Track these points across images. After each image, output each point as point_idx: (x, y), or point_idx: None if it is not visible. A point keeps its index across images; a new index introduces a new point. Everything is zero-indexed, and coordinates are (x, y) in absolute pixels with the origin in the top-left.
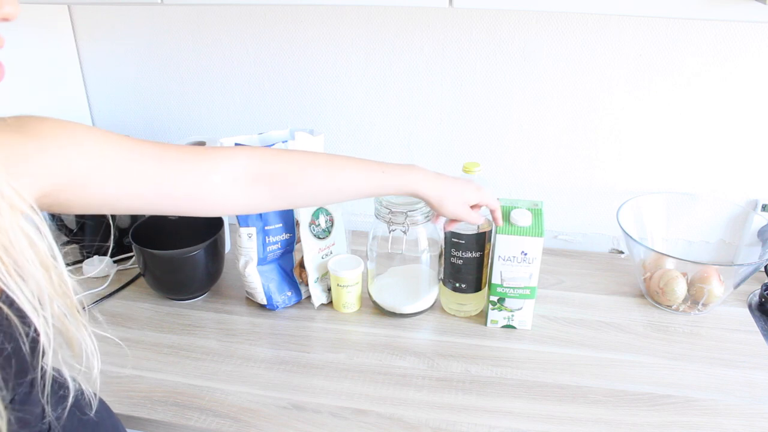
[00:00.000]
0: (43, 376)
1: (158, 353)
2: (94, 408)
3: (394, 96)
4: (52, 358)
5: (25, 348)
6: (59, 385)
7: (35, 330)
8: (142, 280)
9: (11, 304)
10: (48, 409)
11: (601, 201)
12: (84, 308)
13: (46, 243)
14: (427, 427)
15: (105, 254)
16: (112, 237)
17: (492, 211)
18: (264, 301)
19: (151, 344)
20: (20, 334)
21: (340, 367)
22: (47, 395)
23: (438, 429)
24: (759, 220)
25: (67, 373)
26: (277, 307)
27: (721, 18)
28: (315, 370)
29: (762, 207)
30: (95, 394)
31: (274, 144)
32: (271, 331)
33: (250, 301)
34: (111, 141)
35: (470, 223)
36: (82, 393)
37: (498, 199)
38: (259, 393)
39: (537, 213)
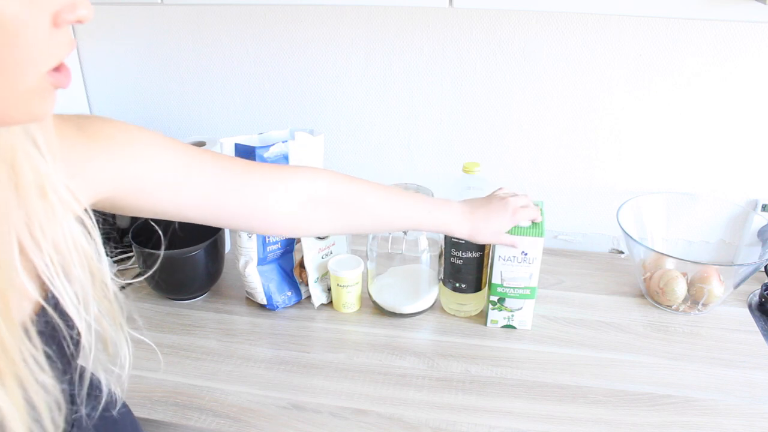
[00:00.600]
0: (81, 376)
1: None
2: (118, 407)
3: (394, 96)
4: (91, 359)
5: (68, 350)
6: (93, 386)
7: (78, 333)
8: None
9: (56, 305)
10: (82, 408)
11: (601, 201)
12: (123, 312)
13: (94, 247)
14: (427, 427)
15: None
16: (162, 241)
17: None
18: (264, 301)
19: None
20: (64, 337)
21: (340, 367)
22: (83, 396)
23: (438, 429)
24: (759, 220)
25: (102, 375)
26: (277, 307)
27: (721, 18)
28: (315, 370)
29: (762, 207)
30: (120, 395)
31: (274, 144)
32: (271, 331)
33: (250, 301)
34: (172, 150)
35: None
36: (110, 392)
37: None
38: (259, 393)
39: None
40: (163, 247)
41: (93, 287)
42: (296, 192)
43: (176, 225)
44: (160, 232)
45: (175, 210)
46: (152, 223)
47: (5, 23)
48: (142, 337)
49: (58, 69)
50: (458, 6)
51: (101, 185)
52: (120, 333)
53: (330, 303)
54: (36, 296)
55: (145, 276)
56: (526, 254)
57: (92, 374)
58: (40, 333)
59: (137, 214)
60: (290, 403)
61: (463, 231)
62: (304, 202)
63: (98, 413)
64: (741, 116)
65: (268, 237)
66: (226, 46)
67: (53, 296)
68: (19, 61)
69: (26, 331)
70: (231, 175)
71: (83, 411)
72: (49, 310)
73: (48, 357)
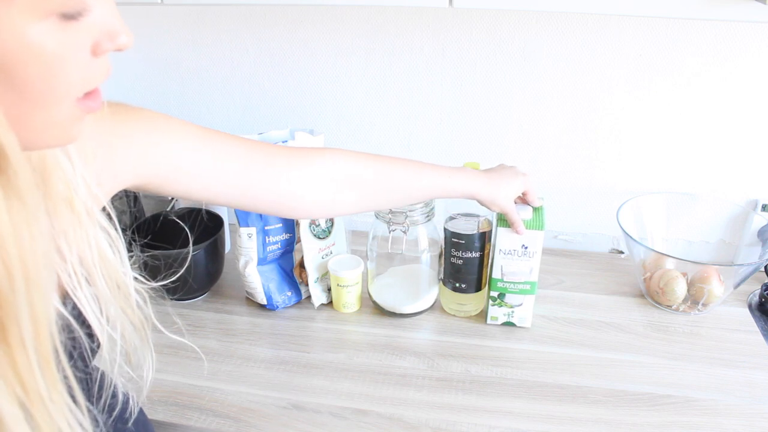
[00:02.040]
0: (101, 385)
1: (158, 353)
2: (135, 415)
3: (394, 96)
4: (109, 366)
5: (88, 359)
6: (111, 393)
7: (98, 344)
8: None
9: (78, 315)
10: (98, 416)
11: (601, 201)
12: (149, 321)
13: (119, 257)
14: (427, 427)
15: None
16: (189, 238)
17: (527, 194)
18: (264, 301)
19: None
20: (85, 348)
21: (340, 367)
22: (102, 404)
23: (438, 429)
24: (759, 220)
25: (120, 383)
26: (277, 307)
27: (721, 18)
28: (315, 370)
29: (762, 207)
30: (137, 403)
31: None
32: (271, 331)
33: (250, 301)
34: (198, 134)
35: (513, 224)
36: (128, 399)
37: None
38: (259, 393)
39: (539, 208)
40: (191, 246)
41: (118, 297)
42: (321, 174)
43: (203, 213)
44: (187, 230)
45: (202, 194)
46: (179, 221)
47: (46, 59)
48: (183, 340)
49: (89, 94)
50: (458, 6)
51: (126, 171)
52: (144, 342)
53: (330, 303)
54: (58, 305)
55: (175, 278)
56: (526, 248)
57: (110, 382)
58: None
59: (165, 196)
60: (290, 403)
61: (485, 192)
62: (330, 184)
63: (112, 419)
64: (741, 116)
65: (268, 237)
66: (226, 46)
67: (74, 306)
68: (57, 93)
69: (57, 359)
70: (256, 159)
71: (99, 418)
72: (70, 319)
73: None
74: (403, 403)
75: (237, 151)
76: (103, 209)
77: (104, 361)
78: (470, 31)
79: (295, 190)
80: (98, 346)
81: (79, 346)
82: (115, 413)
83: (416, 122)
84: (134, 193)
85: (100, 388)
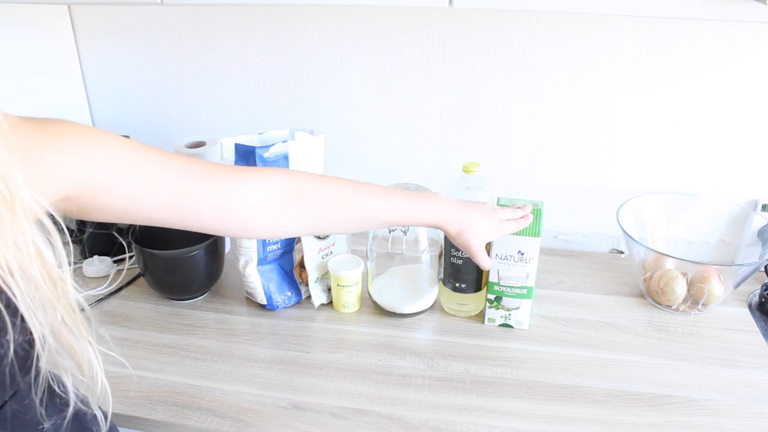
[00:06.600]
0: (40, 384)
1: (158, 353)
2: (104, 430)
3: (394, 96)
4: (52, 367)
5: (20, 353)
6: (59, 397)
7: (30, 333)
8: (142, 280)
9: (8, 305)
10: (44, 417)
11: (601, 201)
12: (90, 324)
13: (55, 254)
14: (427, 427)
15: (106, 254)
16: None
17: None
18: (264, 301)
19: (151, 344)
20: (12, 339)
21: (340, 367)
22: (45, 403)
23: (438, 429)
24: (759, 220)
25: (69, 384)
26: (277, 307)
27: (721, 18)
28: (315, 370)
29: (762, 207)
30: (106, 417)
31: (274, 144)
32: (271, 331)
33: (250, 301)
34: (136, 150)
35: (479, 264)
36: (92, 414)
37: (499, 198)
38: (259, 393)
39: (536, 213)
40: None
41: (54, 295)
42: (264, 192)
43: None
44: (123, 242)
45: (142, 213)
46: (115, 234)
47: None
48: (111, 353)
49: None
50: (458, 6)
51: (62, 186)
52: (83, 342)
53: (330, 303)
54: None
55: (104, 296)
56: (522, 254)
57: (57, 385)
58: None
59: (103, 218)
60: (290, 403)
61: (454, 228)
62: (273, 202)
63: (65, 424)
64: (741, 116)
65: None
66: (226, 46)
67: (5, 296)
68: None
69: None
70: (197, 178)
71: (44, 418)
72: (3, 310)
73: None
74: (403, 403)
75: (175, 162)
76: (51, 217)
77: (44, 356)
78: (470, 31)
79: (238, 205)
80: (30, 333)
81: (8, 336)
82: (67, 416)
83: (416, 122)
84: None
85: (37, 382)
